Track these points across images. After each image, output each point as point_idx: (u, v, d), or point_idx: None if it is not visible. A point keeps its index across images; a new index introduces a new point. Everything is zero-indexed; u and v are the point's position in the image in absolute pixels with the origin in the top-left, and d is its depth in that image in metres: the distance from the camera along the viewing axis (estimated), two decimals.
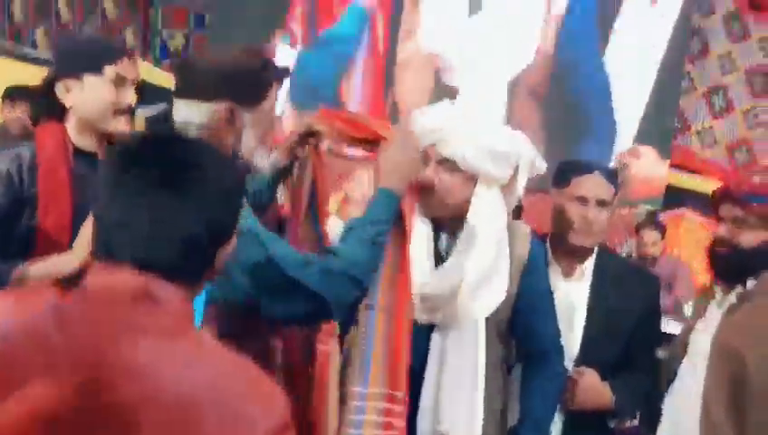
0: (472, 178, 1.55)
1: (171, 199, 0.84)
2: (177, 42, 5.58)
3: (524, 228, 1.67)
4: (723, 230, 1.57)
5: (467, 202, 1.56)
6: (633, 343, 1.82)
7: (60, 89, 1.53)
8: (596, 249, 1.86)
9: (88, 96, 1.53)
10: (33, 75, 5.62)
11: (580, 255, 1.84)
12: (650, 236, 4.09)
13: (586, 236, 1.78)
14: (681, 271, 4.13)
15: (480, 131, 1.54)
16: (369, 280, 1.31)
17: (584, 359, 1.78)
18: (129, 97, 1.57)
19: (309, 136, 1.58)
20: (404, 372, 1.39)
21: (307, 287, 1.22)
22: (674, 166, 4.71)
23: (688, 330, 1.75)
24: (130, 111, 1.59)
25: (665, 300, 3.74)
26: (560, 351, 1.69)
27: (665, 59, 4.11)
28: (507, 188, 1.60)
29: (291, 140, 1.63)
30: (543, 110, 3.77)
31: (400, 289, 1.41)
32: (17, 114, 3.44)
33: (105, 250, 0.84)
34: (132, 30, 5.62)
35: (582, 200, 1.77)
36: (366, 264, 1.29)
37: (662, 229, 4.14)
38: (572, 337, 1.79)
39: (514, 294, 1.60)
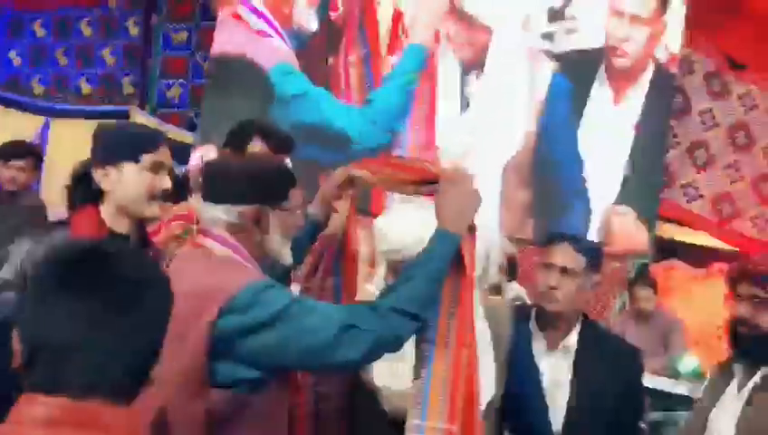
0: None
1: (119, 322, 0.83)
2: (174, 91, 5.65)
3: (505, 310, 1.71)
4: (743, 310, 1.57)
5: None
6: (618, 418, 1.83)
7: (98, 175, 1.59)
8: (579, 322, 1.89)
9: (126, 183, 1.58)
10: (29, 123, 5.70)
11: (560, 326, 1.87)
12: (643, 292, 4.14)
13: (548, 301, 1.84)
14: (674, 327, 4.18)
15: None
16: (426, 315, 1.36)
17: (568, 433, 1.79)
18: (165, 183, 1.62)
19: (348, 186, 1.63)
20: (461, 406, 1.39)
21: (367, 331, 1.30)
22: (662, 218, 4.84)
23: (703, 411, 1.70)
24: (165, 197, 1.66)
25: (658, 356, 3.81)
26: (549, 428, 1.71)
27: (647, 118, 4.26)
28: (479, 280, 1.59)
29: (328, 191, 1.66)
30: (531, 188, 4.02)
31: (459, 323, 1.41)
32: (13, 173, 3.43)
33: (48, 376, 0.80)
34: (130, 79, 5.69)
35: (548, 267, 1.85)
36: (424, 300, 1.35)
37: (654, 284, 4.22)
38: (556, 411, 1.79)
39: (504, 379, 1.61)
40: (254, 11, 4.11)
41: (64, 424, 0.78)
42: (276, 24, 4.07)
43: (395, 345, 1.36)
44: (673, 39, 4.28)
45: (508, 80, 4.04)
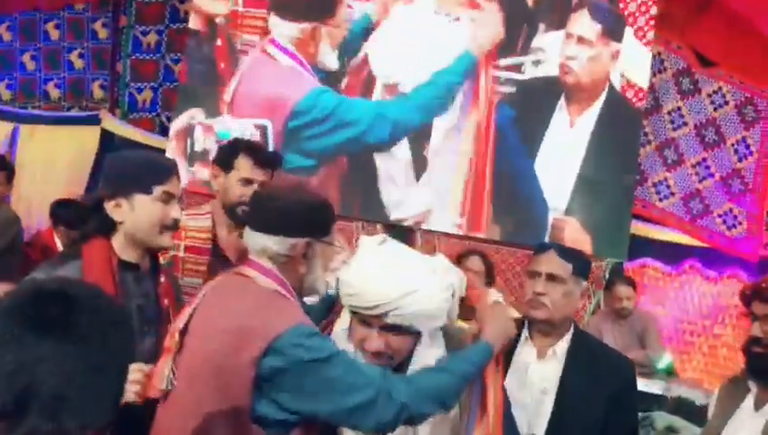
0: (417, 334, 1.56)
1: (107, 365, 0.88)
2: (145, 95, 5.56)
3: (464, 334, 1.71)
4: (756, 329, 1.60)
5: None
6: (608, 429, 1.83)
7: (109, 206, 1.62)
8: (571, 331, 1.91)
9: (137, 214, 1.62)
10: None
11: (550, 334, 1.89)
12: (624, 291, 4.20)
13: (535, 308, 1.88)
14: (650, 325, 4.26)
15: (421, 299, 1.49)
16: (452, 405, 1.50)
17: None
18: (176, 213, 1.66)
19: None
20: None
21: (398, 402, 1.39)
22: (635, 216, 4.92)
23: (716, 427, 1.70)
24: (176, 226, 1.70)
25: (634, 355, 3.88)
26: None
27: (600, 138, 4.39)
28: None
29: None
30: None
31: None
32: None
33: (43, 422, 0.83)
34: (99, 83, 5.59)
35: (535, 275, 1.90)
36: (453, 393, 1.47)
37: (634, 283, 4.29)
38: (540, 419, 1.83)
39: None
40: (283, 50, 4.29)
41: None
42: (304, 60, 4.29)
43: (418, 420, 1.46)
44: (637, 71, 4.40)
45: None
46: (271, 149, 4.09)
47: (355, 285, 1.51)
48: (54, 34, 5.57)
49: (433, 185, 4.33)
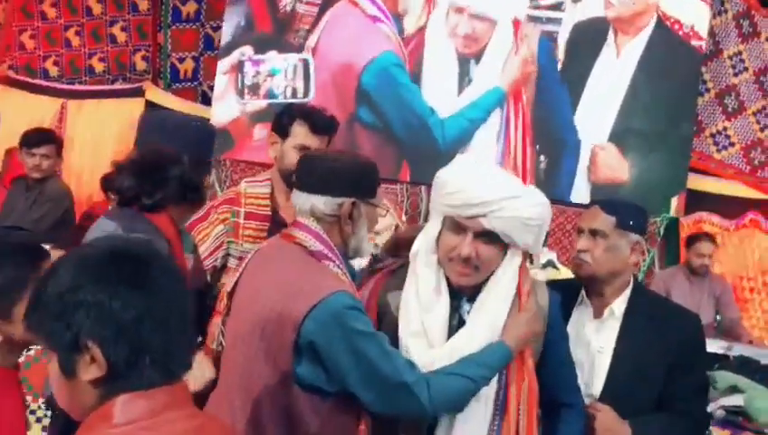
0: (504, 247, 1.55)
1: (188, 312, 0.96)
2: (186, 65, 5.59)
3: (543, 284, 1.70)
4: None
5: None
6: (670, 387, 1.78)
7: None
8: (629, 288, 1.85)
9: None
10: (48, 106, 5.71)
11: (605, 292, 1.84)
12: (706, 247, 4.09)
13: (578, 266, 1.84)
14: (728, 288, 4.17)
15: (522, 205, 1.51)
16: (463, 407, 1.50)
17: (608, 400, 1.75)
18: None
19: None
20: None
21: (421, 397, 1.41)
22: (691, 169, 4.71)
23: None
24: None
25: (709, 315, 3.81)
26: (582, 403, 1.71)
27: (679, 65, 4.18)
28: (529, 249, 1.62)
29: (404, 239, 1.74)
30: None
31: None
32: (36, 160, 3.45)
33: (161, 369, 0.91)
34: (142, 54, 5.64)
35: (580, 231, 1.86)
36: (467, 396, 1.47)
37: (714, 240, 4.17)
38: (596, 379, 1.79)
39: (541, 348, 1.60)
40: None
41: (169, 408, 0.90)
42: (386, 10, 4.47)
43: (432, 416, 1.50)
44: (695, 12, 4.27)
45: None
46: (312, 86, 4.32)
47: (458, 183, 1.52)
48: (97, 9, 5.63)
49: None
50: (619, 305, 1.84)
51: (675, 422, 1.77)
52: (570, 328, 1.81)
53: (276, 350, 1.41)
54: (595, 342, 1.82)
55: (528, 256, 3.17)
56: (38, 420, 2.73)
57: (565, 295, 1.85)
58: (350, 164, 1.55)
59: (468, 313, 1.57)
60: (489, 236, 1.50)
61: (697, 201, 4.74)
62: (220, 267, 2.10)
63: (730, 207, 4.77)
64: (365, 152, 4.22)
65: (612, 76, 4.23)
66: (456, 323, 1.57)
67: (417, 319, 1.55)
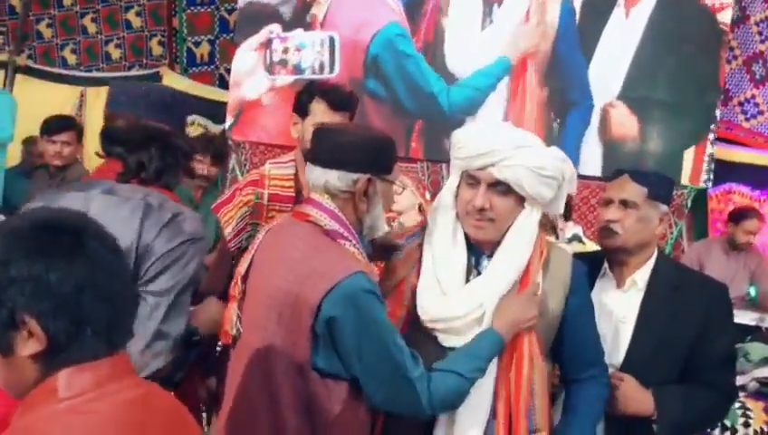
0: (520, 201, 1.53)
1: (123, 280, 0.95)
2: (203, 49, 5.57)
3: (566, 252, 1.67)
4: None
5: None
6: (695, 357, 1.75)
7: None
8: (653, 259, 1.82)
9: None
10: (67, 94, 5.75)
11: (629, 263, 1.81)
12: (753, 225, 4.08)
13: (607, 236, 1.80)
14: (764, 262, 4.13)
15: (532, 155, 1.51)
16: (461, 403, 1.47)
17: (629, 370, 1.74)
18: None
19: None
20: None
21: (421, 394, 1.39)
22: (719, 139, 4.59)
23: None
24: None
25: (742, 288, 3.75)
26: (605, 373, 1.68)
27: (700, 30, 4.07)
28: (548, 206, 1.60)
29: None
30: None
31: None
32: (57, 147, 3.46)
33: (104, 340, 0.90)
34: (158, 39, 5.63)
35: (608, 202, 1.82)
36: (464, 395, 1.45)
37: (761, 217, 4.14)
38: (618, 349, 1.78)
39: (559, 314, 1.57)
40: None
41: (114, 379, 0.90)
42: None
43: (431, 413, 1.46)
44: None
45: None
46: (338, 61, 4.41)
47: (468, 137, 1.54)
48: None
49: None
50: (641, 276, 1.82)
51: (698, 393, 1.74)
52: (592, 299, 1.76)
53: (294, 335, 1.38)
54: (618, 312, 1.80)
55: (552, 229, 3.13)
56: None
57: (588, 268, 1.81)
58: (367, 138, 1.51)
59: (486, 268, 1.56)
60: (503, 188, 1.50)
61: (726, 171, 4.62)
62: (245, 249, 2.09)
63: (760, 177, 4.66)
64: (375, 125, 4.27)
65: (620, 38, 4.23)
66: (474, 277, 1.56)
67: (431, 272, 1.54)
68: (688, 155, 4.05)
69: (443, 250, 1.55)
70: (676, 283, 1.80)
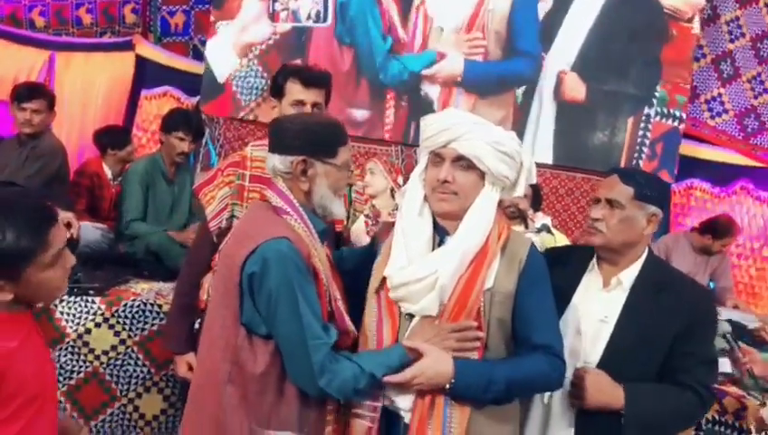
0: (481, 177, 1.64)
1: None
2: (177, 19, 5.45)
3: (527, 238, 1.73)
4: None
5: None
6: (673, 358, 1.75)
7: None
8: (642, 260, 1.83)
9: None
10: (34, 58, 5.53)
11: (616, 262, 1.82)
12: (731, 241, 4.19)
13: (590, 234, 1.82)
14: (726, 262, 4.24)
15: (490, 130, 1.64)
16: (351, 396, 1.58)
17: (606, 368, 1.75)
18: None
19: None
20: None
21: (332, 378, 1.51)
22: (685, 136, 4.72)
23: None
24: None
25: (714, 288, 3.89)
26: (552, 352, 1.62)
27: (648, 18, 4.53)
28: (506, 192, 1.70)
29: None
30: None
31: None
32: (27, 115, 3.37)
33: None
34: (131, 6, 5.48)
35: (596, 201, 1.85)
36: (352, 384, 1.53)
37: (736, 233, 4.22)
38: (596, 348, 1.78)
39: (512, 294, 1.62)
40: None
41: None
42: None
43: (318, 392, 1.54)
44: None
45: None
46: (330, 11, 4.74)
47: (433, 119, 1.69)
48: None
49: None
50: (627, 276, 1.82)
51: (671, 391, 1.74)
52: (577, 295, 1.83)
53: (227, 292, 1.54)
54: (600, 311, 1.80)
55: (523, 220, 3.20)
56: (160, 390, 2.80)
57: (577, 261, 1.89)
58: (304, 123, 1.64)
59: None
60: (464, 163, 1.62)
61: (689, 168, 4.77)
62: (225, 229, 2.11)
63: (721, 174, 4.81)
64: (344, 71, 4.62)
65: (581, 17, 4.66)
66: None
67: (401, 245, 1.64)
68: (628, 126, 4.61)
69: (411, 225, 1.66)
70: (661, 285, 1.79)
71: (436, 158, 1.65)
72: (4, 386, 1.30)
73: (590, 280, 1.86)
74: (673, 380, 1.75)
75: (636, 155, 4.63)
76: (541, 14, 4.67)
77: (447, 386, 1.55)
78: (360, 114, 4.72)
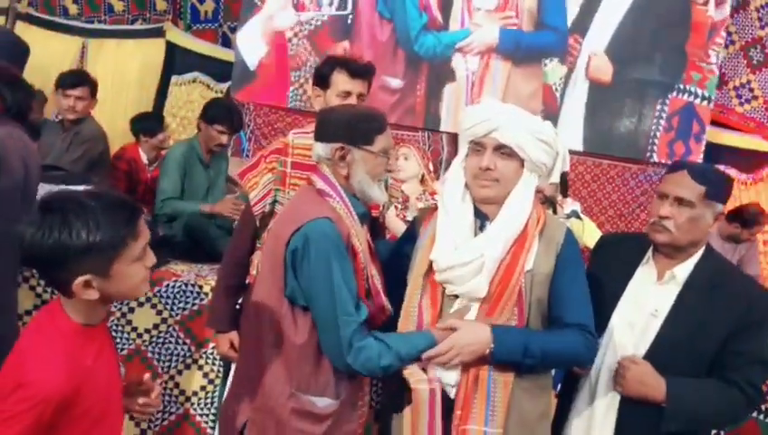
0: (521, 166, 1.72)
1: None
2: (207, 6, 5.53)
3: (563, 223, 1.81)
4: None
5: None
6: (722, 355, 1.71)
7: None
8: (699, 254, 1.79)
9: None
10: (69, 45, 5.64)
11: (674, 256, 1.79)
12: (759, 229, 4.24)
13: (657, 231, 1.77)
14: (754, 250, 4.27)
15: (531, 120, 1.72)
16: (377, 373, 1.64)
17: (653, 361, 1.74)
18: None
19: None
20: None
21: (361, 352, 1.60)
22: (712, 123, 4.71)
23: None
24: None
25: None
26: (585, 330, 1.67)
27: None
28: (543, 179, 1.78)
29: None
30: None
31: None
32: (71, 102, 3.49)
33: None
34: None
35: (663, 196, 1.79)
36: (389, 371, 1.61)
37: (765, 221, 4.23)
38: (644, 341, 1.77)
39: (550, 274, 1.70)
40: None
41: None
42: None
43: (346, 367, 1.62)
44: None
45: None
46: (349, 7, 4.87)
47: (474, 110, 1.77)
48: None
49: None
50: (682, 270, 1.78)
51: (716, 388, 1.72)
52: (630, 287, 1.84)
53: (274, 267, 1.66)
54: (651, 304, 1.79)
55: (552, 205, 3.25)
56: (200, 367, 2.90)
57: (632, 252, 1.88)
58: (344, 114, 1.75)
59: None
60: (506, 150, 1.70)
61: (717, 154, 4.77)
62: (268, 213, 2.19)
63: (749, 161, 4.81)
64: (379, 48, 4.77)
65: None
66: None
67: (446, 230, 1.72)
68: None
69: (454, 211, 1.74)
70: (716, 281, 1.75)
71: (477, 146, 1.73)
72: (76, 405, 1.29)
73: (645, 272, 1.84)
74: (721, 377, 1.73)
75: (654, 127, 4.68)
76: (579, 1, 4.75)
77: (488, 351, 1.62)
78: (396, 83, 4.82)
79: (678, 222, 1.74)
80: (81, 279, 1.29)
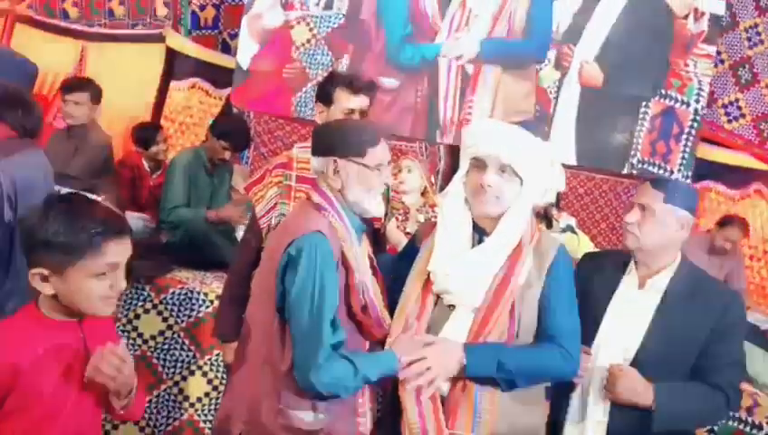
0: (520, 184, 1.76)
1: None
2: (208, 13, 5.57)
3: (556, 240, 1.87)
4: None
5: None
6: (702, 359, 1.84)
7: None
8: (676, 263, 1.92)
9: None
10: (68, 48, 5.67)
11: (651, 266, 1.92)
12: (735, 234, 4.24)
13: (626, 238, 1.93)
14: (740, 266, 4.33)
15: (531, 140, 1.78)
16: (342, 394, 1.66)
17: (638, 367, 1.84)
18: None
19: None
20: None
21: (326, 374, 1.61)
22: (702, 139, 4.84)
23: None
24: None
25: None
26: (566, 345, 1.72)
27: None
28: (542, 195, 1.83)
29: None
30: None
31: None
32: (71, 107, 3.51)
33: None
34: (162, 1, 5.60)
35: (631, 205, 1.95)
36: (343, 381, 1.63)
37: (747, 227, 4.29)
38: (630, 346, 1.87)
39: (539, 293, 1.75)
40: None
41: None
42: None
43: (310, 387, 1.62)
44: None
45: None
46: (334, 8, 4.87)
47: (477, 127, 1.84)
48: None
49: None
50: (661, 279, 1.91)
51: (700, 392, 1.83)
52: (615, 297, 1.94)
53: (267, 280, 1.68)
54: (635, 312, 1.90)
55: (547, 219, 3.33)
56: (204, 374, 2.96)
57: (615, 265, 2.00)
58: (335, 127, 1.80)
59: None
60: (507, 170, 1.74)
61: (705, 170, 4.89)
62: (274, 226, 2.25)
63: (736, 178, 4.93)
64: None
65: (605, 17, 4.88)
66: None
67: (444, 242, 1.78)
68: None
69: (453, 225, 1.79)
70: (694, 289, 1.88)
71: (478, 163, 1.76)
72: (17, 388, 1.33)
73: (627, 282, 1.95)
74: (704, 380, 1.84)
75: (638, 128, 4.84)
76: (572, 12, 4.90)
77: (460, 366, 1.67)
78: (389, 83, 4.88)
79: (643, 228, 1.88)
80: (36, 270, 1.36)
